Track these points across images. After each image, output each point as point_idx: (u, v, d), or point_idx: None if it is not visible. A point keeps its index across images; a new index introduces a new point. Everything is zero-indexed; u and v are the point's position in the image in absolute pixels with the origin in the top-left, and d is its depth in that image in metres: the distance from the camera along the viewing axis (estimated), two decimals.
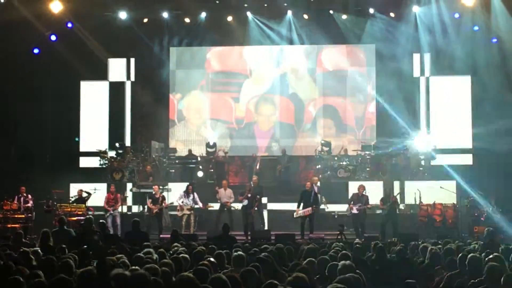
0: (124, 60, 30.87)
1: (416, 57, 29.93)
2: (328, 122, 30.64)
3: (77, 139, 29.30)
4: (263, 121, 30.89)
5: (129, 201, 26.30)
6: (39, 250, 11.85)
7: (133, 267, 9.40)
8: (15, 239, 15.36)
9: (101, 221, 18.67)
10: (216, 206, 24.63)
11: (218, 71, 31.25)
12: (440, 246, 13.75)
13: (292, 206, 23.98)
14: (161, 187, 25.39)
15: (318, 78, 30.77)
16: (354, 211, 23.19)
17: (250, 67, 31.14)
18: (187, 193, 24.21)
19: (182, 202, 24.07)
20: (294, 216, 23.30)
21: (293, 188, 25.85)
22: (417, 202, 24.51)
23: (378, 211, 23.81)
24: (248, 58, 31.22)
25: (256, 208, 23.88)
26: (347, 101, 30.58)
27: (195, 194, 24.22)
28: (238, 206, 24.37)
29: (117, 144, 28.18)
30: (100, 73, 30.54)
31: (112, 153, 28.17)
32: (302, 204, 23.09)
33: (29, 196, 24.39)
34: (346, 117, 30.49)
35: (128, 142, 29.47)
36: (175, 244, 14.04)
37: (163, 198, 24.15)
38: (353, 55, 30.78)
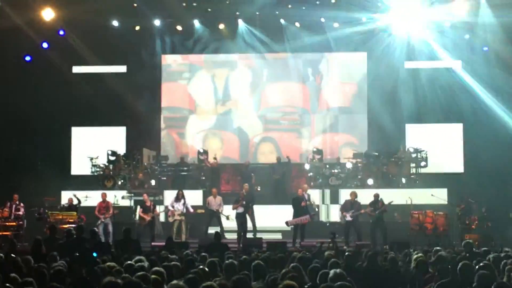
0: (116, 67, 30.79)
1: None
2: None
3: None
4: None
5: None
6: (31, 258, 11.83)
7: (125, 275, 9.41)
8: (9, 248, 15.37)
9: (92, 228, 18.64)
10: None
11: None
12: (431, 254, 13.77)
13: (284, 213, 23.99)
14: (152, 194, 25.39)
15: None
16: (348, 218, 23.18)
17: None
18: (177, 198, 24.23)
19: (173, 207, 24.08)
20: (288, 224, 23.30)
21: (286, 196, 25.85)
22: (408, 210, 24.53)
23: (362, 219, 23.80)
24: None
25: (249, 216, 23.94)
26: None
27: (186, 199, 24.24)
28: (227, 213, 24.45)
29: (109, 152, 28.14)
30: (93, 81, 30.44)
31: (103, 161, 28.08)
32: (294, 212, 23.18)
33: (21, 204, 24.33)
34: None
35: (120, 150, 29.30)
36: (166, 252, 14.05)
37: (154, 206, 24.12)
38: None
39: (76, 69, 30.65)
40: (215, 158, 28.36)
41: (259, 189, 27.13)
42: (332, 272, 9.09)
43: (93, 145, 29.45)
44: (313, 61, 31.19)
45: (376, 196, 23.47)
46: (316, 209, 24.86)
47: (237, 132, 31.30)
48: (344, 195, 25.01)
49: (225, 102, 31.56)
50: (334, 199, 26.24)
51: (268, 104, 31.22)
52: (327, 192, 26.73)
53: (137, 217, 24.26)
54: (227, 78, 31.55)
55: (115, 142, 29.69)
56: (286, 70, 31.24)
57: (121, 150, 29.16)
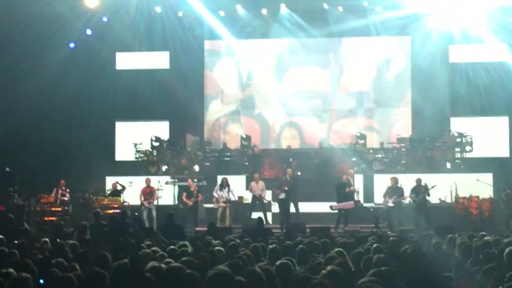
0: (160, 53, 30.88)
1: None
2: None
3: None
4: None
5: None
6: (77, 243, 11.96)
7: (169, 259, 9.46)
8: (56, 230, 15.55)
9: (136, 214, 18.78)
10: (249, 199, 24.78)
11: None
12: (476, 239, 13.63)
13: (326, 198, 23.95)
14: (195, 180, 25.48)
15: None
16: (390, 204, 23.07)
17: None
18: (222, 186, 24.31)
19: (218, 194, 24.15)
20: (332, 209, 23.26)
21: (328, 181, 25.73)
22: (454, 195, 24.33)
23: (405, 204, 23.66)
24: None
25: (292, 202, 23.96)
26: None
27: (230, 187, 24.31)
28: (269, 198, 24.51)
29: (152, 137, 28.27)
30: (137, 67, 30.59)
31: (147, 147, 28.23)
32: (338, 197, 23.17)
33: (67, 189, 24.59)
34: None
35: (165, 136, 29.40)
36: (209, 237, 14.09)
37: (198, 191, 24.22)
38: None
39: (120, 56, 30.78)
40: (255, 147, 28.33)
41: (299, 173, 27.04)
42: (375, 257, 9.05)
43: (137, 134, 29.55)
44: (352, 46, 31.03)
45: (418, 181, 23.33)
46: (357, 195, 24.62)
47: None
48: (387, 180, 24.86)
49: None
50: (379, 184, 26.04)
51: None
52: (371, 177, 26.55)
53: (181, 202, 24.40)
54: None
55: (159, 130, 29.80)
56: (317, 54, 31.18)
57: (165, 136, 29.26)
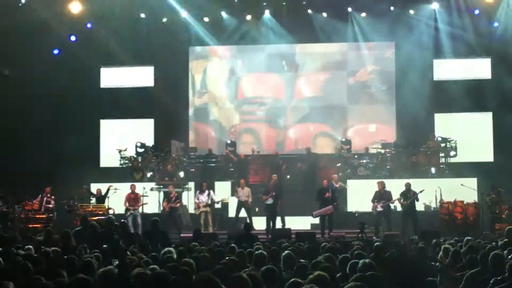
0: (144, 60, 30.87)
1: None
2: None
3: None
4: None
5: None
6: (60, 250, 11.91)
7: (154, 266, 9.44)
8: (46, 238, 15.48)
9: (122, 220, 18.73)
10: (232, 200, 24.98)
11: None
12: (461, 244, 13.67)
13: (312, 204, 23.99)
14: (182, 186, 25.49)
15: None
16: (379, 208, 23.11)
17: None
18: (201, 190, 24.31)
19: (198, 199, 24.17)
20: (314, 216, 23.31)
21: (315, 187, 25.77)
22: (438, 200, 24.41)
23: (399, 209, 23.69)
24: None
25: (279, 207, 24.02)
26: None
27: (211, 191, 24.34)
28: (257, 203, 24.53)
29: (137, 144, 28.23)
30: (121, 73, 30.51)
31: (132, 153, 28.18)
32: (320, 202, 23.21)
33: (52, 196, 24.50)
34: None
35: (149, 142, 29.36)
36: (195, 243, 14.07)
37: (177, 198, 24.22)
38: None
39: (104, 72, 30.82)
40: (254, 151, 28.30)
41: (288, 177, 27.09)
42: (361, 262, 9.06)
43: (122, 137, 29.50)
44: (337, 51, 31.17)
45: (408, 185, 23.41)
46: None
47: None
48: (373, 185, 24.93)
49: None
50: (363, 190, 26.09)
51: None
52: (356, 182, 26.61)
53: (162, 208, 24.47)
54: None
55: (143, 135, 29.73)
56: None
57: (150, 142, 29.22)
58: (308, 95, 31.19)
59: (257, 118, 31.24)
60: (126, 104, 30.17)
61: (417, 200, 23.33)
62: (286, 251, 10.73)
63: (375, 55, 30.74)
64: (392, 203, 23.33)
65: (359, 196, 25.71)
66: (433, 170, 27.14)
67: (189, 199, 25.52)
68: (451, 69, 29.90)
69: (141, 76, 31.09)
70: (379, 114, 30.53)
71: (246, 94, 31.49)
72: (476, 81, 29.34)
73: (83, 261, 9.52)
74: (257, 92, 31.53)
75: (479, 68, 29.61)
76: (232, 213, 25.01)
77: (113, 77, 30.98)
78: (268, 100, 31.34)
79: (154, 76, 30.86)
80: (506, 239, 14.04)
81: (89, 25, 29.32)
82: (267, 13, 29.96)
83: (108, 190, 24.62)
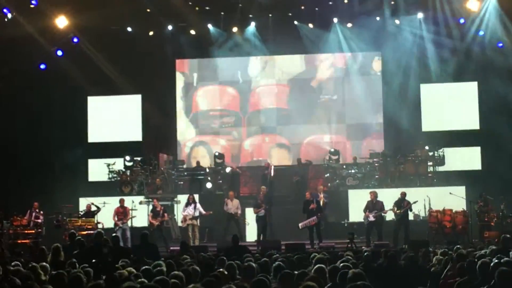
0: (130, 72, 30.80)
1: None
2: None
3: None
4: None
5: None
6: (49, 266, 11.86)
7: (143, 279, 9.42)
8: (40, 255, 15.40)
9: (114, 234, 18.69)
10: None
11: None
12: (450, 252, 13.70)
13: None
14: (171, 199, 25.48)
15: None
16: (371, 218, 23.11)
17: None
18: (188, 203, 24.29)
19: (185, 212, 24.15)
20: (300, 227, 23.33)
21: (302, 198, 25.76)
22: (427, 209, 24.46)
23: (389, 218, 23.71)
24: None
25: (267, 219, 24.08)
26: None
27: (197, 204, 24.32)
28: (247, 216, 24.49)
29: (126, 157, 28.19)
30: (108, 87, 30.43)
31: (120, 167, 28.13)
32: (306, 214, 23.25)
33: (41, 212, 24.42)
34: None
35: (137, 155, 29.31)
36: (185, 255, 14.04)
37: (164, 211, 24.20)
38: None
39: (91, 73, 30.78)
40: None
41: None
42: (350, 272, 9.07)
43: (109, 152, 29.41)
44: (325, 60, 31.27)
45: (403, 194, 23.43)
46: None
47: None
48: (362, 195, 25.00)
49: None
50: (352, 200, 26.15)
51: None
52: (346, 193, 26.67)
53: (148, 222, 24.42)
54: None
55: (131, 148, 29.70)
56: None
57: (138, 155, 29.19)
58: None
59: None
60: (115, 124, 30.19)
61: (411, 210, 23.41)
62: (277, 262, 10.75)
63: (360, 64, 30.80)
64: (385, 213, 23.35)
65: (349, 206, 25.83)
66: (421, 179, 27.19)
67: (178, 212, 25.44)
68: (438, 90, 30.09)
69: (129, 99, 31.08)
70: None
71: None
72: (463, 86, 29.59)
73: (72, 276, 9.48)
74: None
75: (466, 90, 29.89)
76: (221, 225, 24.96)
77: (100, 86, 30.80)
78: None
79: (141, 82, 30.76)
80: (501, 246, 14.07)
81: (75, 40, 29.24)
82: (252, 26, 29.96)
83: (97, 208, 24.55)
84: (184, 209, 24.31)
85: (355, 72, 30.75)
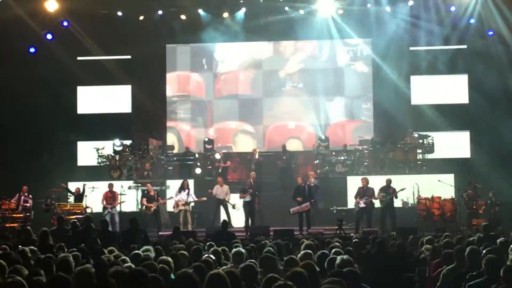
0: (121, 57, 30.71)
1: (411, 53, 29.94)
2: None
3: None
4: None
5: None
6: (37, 249, 11.85)
7: (132, 264, 9.41)
8: (24, 237, 15.39)
9: (103, 219, 18.70)
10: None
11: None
12: (438, 240, 13.75)
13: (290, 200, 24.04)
14: (159, 184, 25.45)
15: None
16: (362, 205, 23.15)
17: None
18: (181, 188, 24.26)
19: (177, 198, 24.12)
20: (291, 213, 23.34)
21: (292, 184, 25.77)
22: (416, 196, 24.50)
23: (377, 205, 23.74)
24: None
25: (256, 205, 24.05)
26: None
27: (190, 189, 24.31)
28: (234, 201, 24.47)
29: (115, 142, 28.12)
30: (98, 73, 30.37)
31: (110, 151, 28.07)
32: (296, 200, 23.27)
33: (30, 196, 24.36)
34: None
35: (127, 140, 29.27)
36: (175, 241, 14.06)
37: (158, 195, 24.22)
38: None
39: (81, 59, 30.60)
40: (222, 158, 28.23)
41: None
42: (339, 258, 9.08)
43: (99, 135, 29.37)
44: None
45: (388, 181, 23.50)
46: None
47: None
48: (351, 182, 25.06)
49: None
50: (342, 186, 26.19)
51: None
52: (333, 179, 26.71)
53: (142, 207, 24.34)
54: None
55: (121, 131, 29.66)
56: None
57: (127, 140, 29.14)
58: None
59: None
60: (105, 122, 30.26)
61: (396, 197, 23.46)
62: (266, 249, 10.77)
63: (351, 51, 30.78)
64: (376, 199, 23.38)
65: (338, 193, 25.87)
66: (410, 166, 27.23)
67: (167, 197, 25.38)
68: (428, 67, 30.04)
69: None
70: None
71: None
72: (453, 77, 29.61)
73: (60, 259, 9.47)
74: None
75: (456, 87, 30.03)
76: (210, 211, 24.98)
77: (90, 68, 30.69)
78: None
79: (132, 66, 30.71)
80: (481, 234, 14.14)
81: (65, 23, 29.11)
82: (242, 11, 29.87)
83: (84, 188, 24.55)
84: (177, 194, 24.26)
85: (345, 58, 30.69)
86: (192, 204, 24.57)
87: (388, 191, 23.27)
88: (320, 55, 30.96)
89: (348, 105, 30.56)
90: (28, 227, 17.13)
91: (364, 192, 23.40)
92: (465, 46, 29.35)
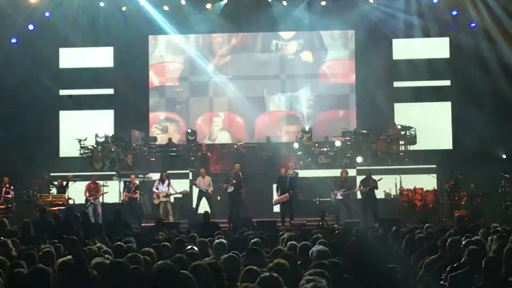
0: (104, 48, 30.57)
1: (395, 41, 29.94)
2: None
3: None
4: None
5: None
6: (19, 241, 11.80)
7: (114, 256, 9.40)
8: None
9: (83, 210, 18.64)
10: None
11: None
12: (420, 231, 13.79)
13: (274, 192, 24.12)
14: (141, 176, 25.39)
15: None
16: (339, 196, 23.19)
17: None
18: (161, 180, 24.24)
19: (157, 189, 24.10)
20: (274, 204, 23.38)
21: (275, 175, 25.78)
22: (398, 188, 24.58)
23: (358, 197, 23.80)
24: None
25: (243, 196, 24.04)
26: None
27: (170, 181, 24.27)
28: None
29: (97, 133, 28.02)
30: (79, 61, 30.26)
31: (92, 142, 27.96)
32: (279, 191, 23.30)
33: (11, 187, 24.27)
34: None
35: (110, 131, 29.19)
36: (156, 232, 14.05)
37: (136, 188, 24.17)
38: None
39: (63, 53, 30.44)
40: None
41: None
42: (321, 249, 9.10)
43: (81, 128, 29.22)
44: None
45: (368, 174, 23.55)
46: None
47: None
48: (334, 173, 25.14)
49: None
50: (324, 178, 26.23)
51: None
52: (317, 170, 26.74)
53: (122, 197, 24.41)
54: None
55: (103, 125, 29.51)
56: None
57: (110, 132, 29.02)
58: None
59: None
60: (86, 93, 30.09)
61: (376, 188, 23.52)
62: (253, 240, 10.81)
63: (334, 43, 30.81)
64: (354, 192, 23.42)
65: (320, 184, 25.89)
66: (393, 157, 27.28)
67: (150, 189, 25.34)
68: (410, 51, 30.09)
69: (100, 60, 30.81)
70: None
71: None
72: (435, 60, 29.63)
73: (42, 251, 9.45)
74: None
75: (438, 47, 29.88)
76: (193, 202, 24.98)
77: (72, 60, 30.63)
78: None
79: (113, 59, 30.64)
80: (457, 227, 14.23)
81: (47, 14, 28.93)
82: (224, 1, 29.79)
83: (68, 181, 24.48)
84: (157, 187, 24.26)
85: (329, 49, 30.71)
86: (177, 195, 24.57)
87: (369, 183, 23.33)
88: (303, 46, 30.90)
89: (329, 96, 30.52)
90: (4, 219, 17.05)
91: (343, 183, 23.46)
92: (447, 38, 29.38)
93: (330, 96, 30.41)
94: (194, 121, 30.48)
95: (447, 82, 29.42)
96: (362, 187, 23.34)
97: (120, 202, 24.47)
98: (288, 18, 29.69)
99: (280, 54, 30.92)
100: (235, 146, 27.93)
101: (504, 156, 27.31)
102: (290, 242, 10.53)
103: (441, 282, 9.31)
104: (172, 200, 24.48)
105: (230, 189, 23.83)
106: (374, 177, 23.55)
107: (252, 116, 30.41)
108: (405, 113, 29.20)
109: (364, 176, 23.94)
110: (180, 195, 24.82)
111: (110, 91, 30.59)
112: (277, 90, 30.80)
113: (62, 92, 30.44)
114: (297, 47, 30.87)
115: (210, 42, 31.24)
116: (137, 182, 24.69)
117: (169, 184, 24.17)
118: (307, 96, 30.56)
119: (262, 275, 6.53)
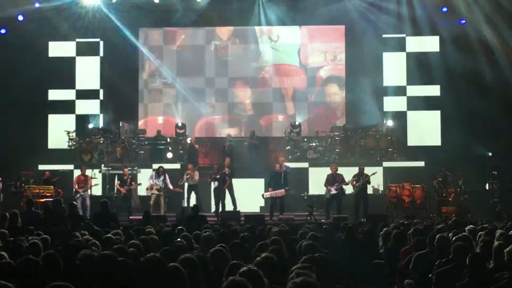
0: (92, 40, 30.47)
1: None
2: None
3: None
4: None
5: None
6: (7, 232, 11.76)
7: (101, 248, 9.39)
8: None
9: (71, 202, 18.58)
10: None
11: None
12: (408, 226, 13.83)
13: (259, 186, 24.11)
14: (129, 168, 25.35)
15: None
16: (333, 191, 23.17)
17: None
18: (157, 174, 24.21)
19: (153, 181, 24.06)
20: (264, 197, 23.37)
21: (261, 169, 25.77)
22: (386, 183, 24.63)
23: (348, 192, 23.76)
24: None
25: (231, 189, 24.00)
26: None
27: (166, 176, 24.24)
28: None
29: (86, 126, 27.98)
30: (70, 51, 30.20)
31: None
32: (271, 186, 23.27)
33: None
34: None
35: (99, 123, 29.15)
36: (144, 225, 14.04)
37: (132, 180, 24.13)
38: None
39: (52, 44, 30.34)
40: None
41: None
42: (309, 244, 9.11)
43: (69, 119, 29.18)
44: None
45: (361, 168, 23.54)
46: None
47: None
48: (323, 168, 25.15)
49: None
50: (313, 173, 26.25)
51: None
52: (305, 165, 26.74)
53: (115, 190, 24.29)
54: None
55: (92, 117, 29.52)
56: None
57: (97, 124, 29.01)
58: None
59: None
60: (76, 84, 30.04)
61: (369, 183, 23.52)
62: (241, 235, 10.82)
63: (322, 37, 30.81)
64: (346, 184, 23.38)
65: (309, 179, 25.93)
66: (381, 153, 27.32)
67: (137, 181, 25.26)
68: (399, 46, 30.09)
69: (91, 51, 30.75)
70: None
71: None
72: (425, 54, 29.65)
73: (29, 243, 9.42)
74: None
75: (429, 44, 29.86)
76: (181, 195, 24.96)
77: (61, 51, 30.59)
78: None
79: (103, 51, 30.58)
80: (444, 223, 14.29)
81: (37, 5, 28.78)
82: None
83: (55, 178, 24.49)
84: (152, 178, 24.23)
85: (317, 44, 30.72)
86: (169, 189, 24.56)
87: (361, 178, 23.33)
88: (293, 42, 30.90)
89: (319, 92, 30.55)
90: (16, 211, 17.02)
91: (334, 178, 23.44)
92: (437, 37, 29.42)
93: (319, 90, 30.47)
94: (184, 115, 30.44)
95: (436, 81, 29.40)
96: (355, 182, 23.31)
97: (115, 194, 24.35)
98: (276, 12, 29.65)
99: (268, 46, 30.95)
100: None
101: (490, 154, 27.33)
102: (278, 237, 10.52)
103: (429, 277, 9.33)
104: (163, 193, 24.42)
105: (214, 184, 23.85)
106: (367, 170, 23.51)
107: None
108: (394, 108, 29.27)
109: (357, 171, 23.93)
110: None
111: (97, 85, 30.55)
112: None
113: (51, 92, 30.35)
114: (285, 40, 30.88)
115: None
116: (130, 174, 24.63)
117: (164, 180, 24.13)
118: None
119: (241, 270, 6.53)
